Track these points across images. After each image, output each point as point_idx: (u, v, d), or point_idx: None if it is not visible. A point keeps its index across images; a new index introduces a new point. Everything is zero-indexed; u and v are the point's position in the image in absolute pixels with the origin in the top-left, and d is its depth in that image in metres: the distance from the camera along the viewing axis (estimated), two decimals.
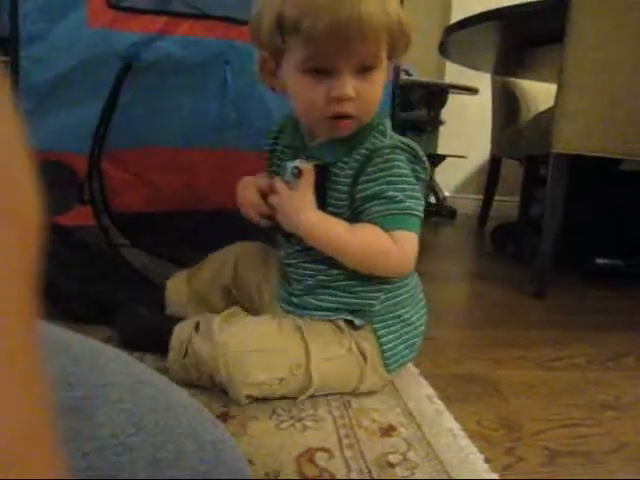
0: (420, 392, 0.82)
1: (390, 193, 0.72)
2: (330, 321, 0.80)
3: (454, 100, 2.83)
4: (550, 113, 1.47)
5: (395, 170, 0.73)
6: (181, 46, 0.93)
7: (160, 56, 0.92)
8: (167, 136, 0.98)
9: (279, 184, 0.78)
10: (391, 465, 0.63)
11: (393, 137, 0.77)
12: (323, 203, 0.76)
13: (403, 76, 2.56)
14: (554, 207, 1.48)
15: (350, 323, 0.80)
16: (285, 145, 0.86)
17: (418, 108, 2.70)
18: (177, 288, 0.95)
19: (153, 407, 0.34)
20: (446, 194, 3.14)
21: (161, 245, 1.03)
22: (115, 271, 0.98)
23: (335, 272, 0.79)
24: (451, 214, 2.93)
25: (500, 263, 2.03)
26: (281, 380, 0.74)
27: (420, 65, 2.69)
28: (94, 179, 0.95)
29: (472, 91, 2.73)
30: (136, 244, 1.01)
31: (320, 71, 0.70)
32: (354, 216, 0.76)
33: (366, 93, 0.71)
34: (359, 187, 0.74)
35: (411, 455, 0.65)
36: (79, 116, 0.91)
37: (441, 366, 0.95)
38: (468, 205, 3.17)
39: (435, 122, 2.77)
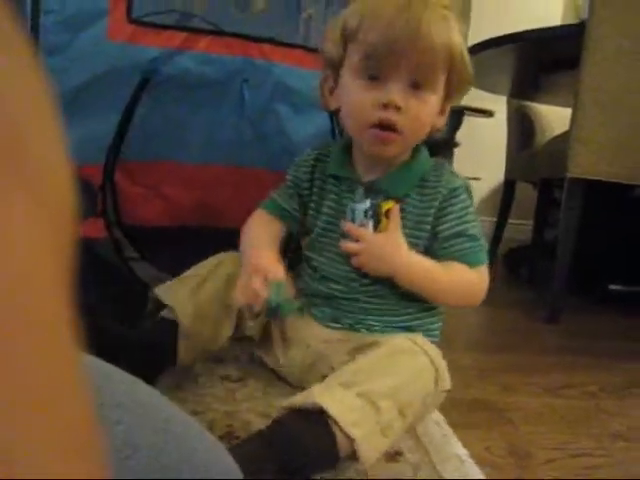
0: (428, 416, 0.81)
1: (470, 232, 0.77)
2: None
3: (469, 122, 2.82)
4: (565, 137, 1.47)
5: (470, 209, 0.78)
6: (200, 62, 0.94)
7: (179, 71, 0.93)
8: (183, 151, 0.99)
9: (359, 230, 0.75)
10: None
11: (453, 172, 0.80)
12: None
13: None
14: (568, 232, 1.46)
15: None
16: (331, 174, 0.82)
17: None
18: (182, 307, 0.81)
19: (152, 428, 0.33)
20: None
21: (172, 260, 1.03)
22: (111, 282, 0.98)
23: (395, 302, 0.79)
24: None
25: (513, 287, 2.01)
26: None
27: None
28: (107, 191, 0.95)
29: (487, 113, 2.73)
30: (146, 258, 1.01)
31: (374, 78, 0.71)
32: (428, 252, 0.77)
33: (414, 109, 0.71)
34: (441, 227, 0.76)
35: None
36: (96, 128, 0.92)
37: (450, 390, 0.94)
38: (482, 227, 3.15)
39: (450, 144, 2.77)
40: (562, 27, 1.63)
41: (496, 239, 2.72)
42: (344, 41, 0.73)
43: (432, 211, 0.76)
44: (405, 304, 0.78)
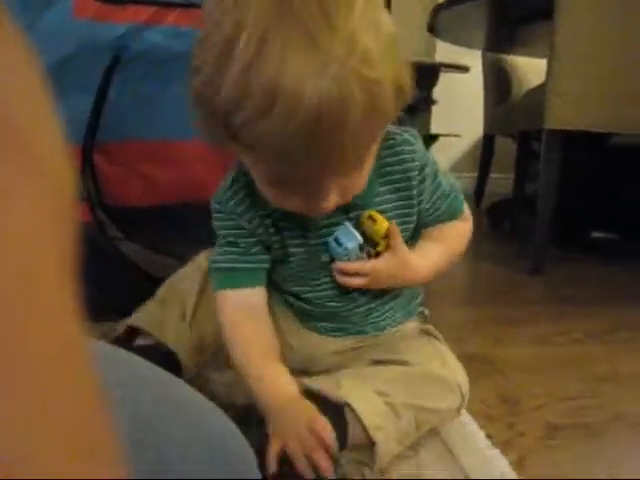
0: None
1: (444, 190, 0.68)
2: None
3: (445, 79, 2.81)
4: (541, 89, 1.47)
5: (436, 171, 0.67)
6: (168, 36, 0.92)
7: (147, 47, 0.91)
8: (157, 128, 0.98)
9: (358, 267, 0.64)
10: None
11: (407, 140, 0.64)
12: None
13: None
14: (548, 184, 1.48)
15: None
16: (274, 211, 0.63)
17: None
18: (177, 341, 0.72)
19: (157, 401, 0.34)
20: None
21: (156, 238, 1.03)
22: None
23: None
24: None
25: (497, 241, 2.04)
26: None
27: (409, 44, 2.67)
28: (87, 173, 0.94)
29: (463, 69, 2.72)
30: (131, 237, 1.01)
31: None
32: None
33: (354, 188, 0.56)
34: (421, 206, 0.67)
35: None
36: (70, 110, 0.90)
37: None
38: (464, 183, 3.17)
39: (427, 102, 2.76)
40: None
41: (478, 194, 2.74)
42: (221, 131, 0.49)
43: (414, 201, 0.66)
44: (399, 292, 0.74)
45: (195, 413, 0.35)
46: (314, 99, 0.43)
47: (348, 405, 0.60)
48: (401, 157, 0.63)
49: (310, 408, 0.58)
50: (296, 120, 0.44)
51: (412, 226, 0.68)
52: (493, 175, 2.77)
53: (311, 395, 0.61)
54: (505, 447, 0.67)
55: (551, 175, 1.47)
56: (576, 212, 1.87)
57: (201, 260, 0.76)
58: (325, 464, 0.55)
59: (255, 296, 0.66)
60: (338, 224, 0.64)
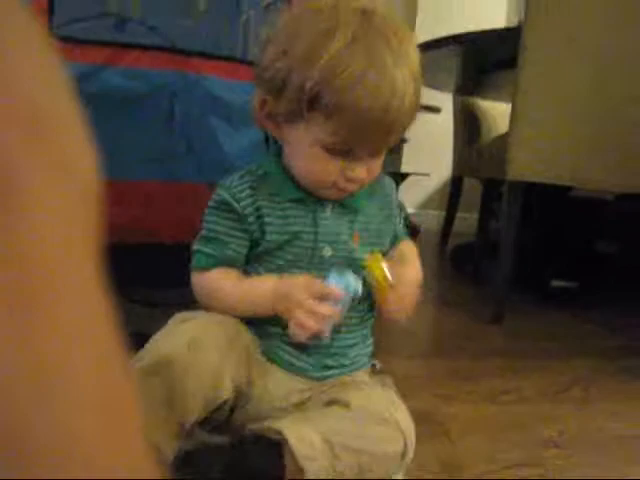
0: None
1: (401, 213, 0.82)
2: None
3: (417, 118, 2.85)
4: (504, 139, 1.49)
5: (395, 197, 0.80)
6: (127, 77, 0.91)
7: (104, 88, 0.90)
8: (114, 168, 0.96)
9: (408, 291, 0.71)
10: None
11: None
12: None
13: None
14: (509, 231, 1.50)
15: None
16: (291, 199, 0.71)
17: None
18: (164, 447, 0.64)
19: None
20: (410, 211, 3.17)
21: (112, 280, 1.00)
22: None
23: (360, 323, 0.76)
24: (413, 231, 2.95)
25: (459, 285, 2.04)
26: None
27: None
28: None
29: (434, 110, 2.76)
30: None
31: (337, 151, 0.65)
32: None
33: (375, 170, 0.69)
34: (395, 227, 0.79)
35: None
36: None
37: None
38: (431, 221, 3.20)
39: (399, 140, 2.79)
40: (500, 30, 1.66)
41: (445, 233, 2.76)
42: (304, 102, 0.62)
43: (392, 220, 0.78)
44: (366, 331, 0.77)
45: None
46: (393, 81, 0.60)
47: (285, 440, 0.59)
48: (383, 183, 0.78)
49: (298, 277, 0.67)
50: (377, 94, 0.60)
51: (387, 241, 0.77)
52: (461, 214, 2.80)
53: (253, 434, 0.61)
54: None
55: (512, 223, 1.49)
56: (537, 261, 1.89)
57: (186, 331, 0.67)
58: (325, 309, 0.64)
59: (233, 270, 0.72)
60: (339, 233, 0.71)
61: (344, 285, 0.65)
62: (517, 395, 1.04)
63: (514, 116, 1.43)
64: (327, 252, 0.71)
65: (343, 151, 0.65)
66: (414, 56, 0.64)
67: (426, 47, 1.86)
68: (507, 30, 1.62)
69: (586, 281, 1.88)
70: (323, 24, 0.61)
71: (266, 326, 0.72)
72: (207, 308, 0.71)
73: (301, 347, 0.71)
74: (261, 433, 0.62)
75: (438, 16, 2.95)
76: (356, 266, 0.70)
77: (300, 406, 0.70)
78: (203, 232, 0.73)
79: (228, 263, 0.72)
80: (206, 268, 0.72)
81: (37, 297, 0.16)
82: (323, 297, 0.65)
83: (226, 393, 0.64)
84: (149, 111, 0.94)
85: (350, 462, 0.62)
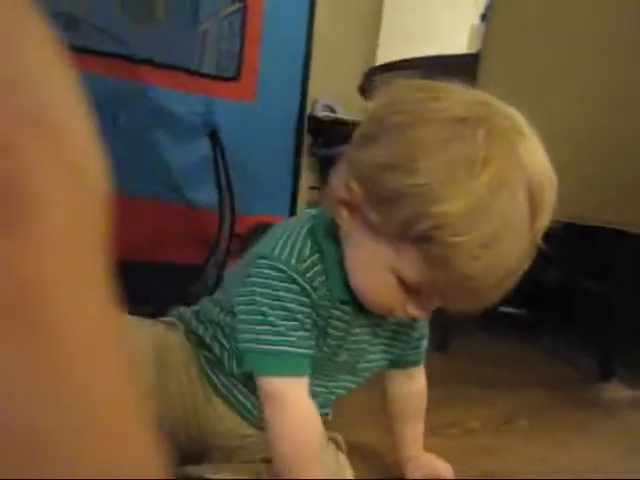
0: None
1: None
2: None
3: None
4: None
5: None
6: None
7: None
8: None
9: None
10: None
11: None
12: None
13: (327, 113, 2.56)
14: None
15: None
16: (341, 300, 0.62)
17: (342, 145, 2.70)
18: None
19: None
20: None
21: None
22: None
23: None
24: None
25: None
26: None
27: (345, 101, 2.70)
28: None
29: None
30: None
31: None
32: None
33: (430, 310, 0.63)
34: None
35: None
36: None
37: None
38: None
39: None
40: (458, 56, 1.67)
41: None
42: (404, 229, 0.51)
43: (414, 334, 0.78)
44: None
45: None
46: (520, 253, 0.52)
47: None
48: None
49: None
50: (496, 271, 0.51)
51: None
52: None
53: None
54: None
55: None
56: None
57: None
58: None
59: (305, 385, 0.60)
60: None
61: None
62: (462, 427, 1.02)
63: None
64: (342, 358, 0.66)
65: (418, 290, 0.56)
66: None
67: (386, 69, 1.87)
68: (464, 56, 1.63)
69: (534, 308, 1.90)
70: (461, 148, 0.50)
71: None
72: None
73: None
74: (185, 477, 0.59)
75: (401, 38, 2.98)
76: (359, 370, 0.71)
77: (236, 450, 0.67)
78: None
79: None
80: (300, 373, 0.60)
81: (46, 301, 0.16)
82: None
83: None
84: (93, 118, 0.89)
85: None
